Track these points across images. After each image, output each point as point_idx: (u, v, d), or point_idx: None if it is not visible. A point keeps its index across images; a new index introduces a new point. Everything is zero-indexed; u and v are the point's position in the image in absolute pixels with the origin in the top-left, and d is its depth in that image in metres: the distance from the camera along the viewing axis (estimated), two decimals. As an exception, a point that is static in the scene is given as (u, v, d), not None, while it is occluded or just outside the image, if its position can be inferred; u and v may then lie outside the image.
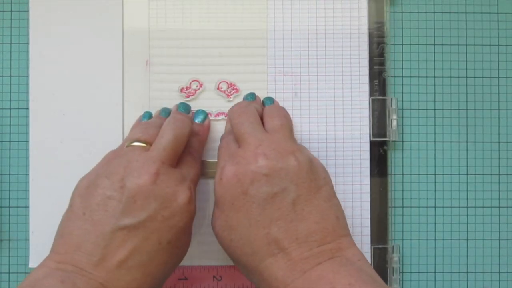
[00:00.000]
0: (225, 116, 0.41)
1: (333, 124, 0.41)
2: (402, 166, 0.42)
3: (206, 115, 0.40)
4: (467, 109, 0.42)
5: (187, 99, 0.41)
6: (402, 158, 0.42)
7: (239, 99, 0.41)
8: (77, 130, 0.41)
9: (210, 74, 0.41)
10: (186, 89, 0.41)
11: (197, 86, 0.41)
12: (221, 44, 0.42)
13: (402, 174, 0.42)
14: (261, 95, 0.41)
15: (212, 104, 0.41)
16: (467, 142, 0.42)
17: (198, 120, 0.40)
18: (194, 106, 0.41)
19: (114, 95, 0.41)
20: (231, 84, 0.41)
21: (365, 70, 0.41)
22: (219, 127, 0.41)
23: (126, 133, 0.41)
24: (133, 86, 0.42)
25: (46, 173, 0.41)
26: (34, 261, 0.40)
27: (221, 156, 0.36)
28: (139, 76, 0.42)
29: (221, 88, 0.41)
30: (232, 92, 0.41)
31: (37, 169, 0.41)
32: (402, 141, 0.42)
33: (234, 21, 0.42)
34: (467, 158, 0.42)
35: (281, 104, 0.41)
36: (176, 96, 0.41)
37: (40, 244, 0.40)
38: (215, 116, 0.41)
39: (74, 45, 0.41)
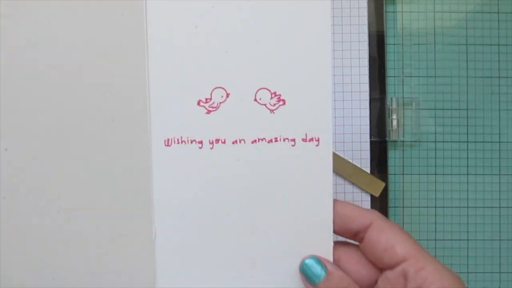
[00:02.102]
0: (267, 142, 0.28)
1: (333, 124, 0.41)
2: (402, 166, 0.42)
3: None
4: (467, 109, 0.42)
5: (208, 115, 0.28)
6: (402, 158, 0.42)
7: (287, 113, 0.28)
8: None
9: (243, 79, 0.28)
10: (206, 101, 0.28)
11: (222, 96, 0.28)
12: (258, 32, 0.27)
13: (402, 174, 0.42)
14: (319, 108, 0.28)
15: (246, 122, 0.28)
16: (467, 142, 0.42)
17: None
18: (219, 124, 0.28)
19: (102, 112, 0.28)
20: (274, 93, 0.28)
21: (365, 70, 0.41)
22: (256, 160, 0.28)
23: (120, 155, 0.28)
24: (126, 100, 0.28)
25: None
26: None
27: None
28: (133, 85, 0.27)
29: (260, 99, 0.28)
30: (276, 105, 0.28)
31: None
32: (403, 141, 0.42)
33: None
34: (467, 158, 0.42)
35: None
36: (191, 112, 0.28)
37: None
38: (252, 142, 0.28)
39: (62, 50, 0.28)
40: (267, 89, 0.28)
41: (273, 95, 0.28)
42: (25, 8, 0.27)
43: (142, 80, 0.28)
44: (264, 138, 0.28)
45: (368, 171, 0.41)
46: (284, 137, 0.28)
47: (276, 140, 0.28)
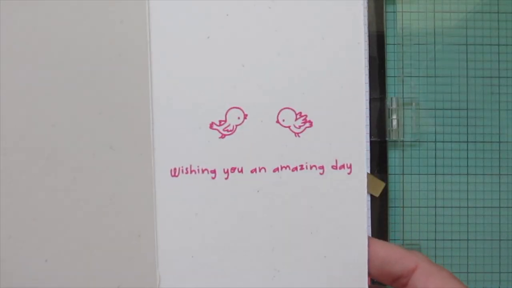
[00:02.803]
0: (291, 170, 0.24)
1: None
2: (402, 166, 0.42)
3: None
4: (467, 109, 0.42)
5: (222, 140, 0.24)
6: (402, 158, 0.42)
7: (315, 137, 0.24)
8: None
9: (263, 97, 0.24)
10: (220, 124, 0.24)
11: (239, 118, 0.24)
12: (279, 43, 0.24)
13: (402, 174, 0.42)
14: (352, 129, 0.24)
15: (267, 148, 0.24)
16: (467, 142, 0.42)
17: None
18: (235, 150, 0.24)
19: (98, 137, 0.23)
20: (299, 113, 0.24)
21: (365, 70, 0.41)
22: (278, 191, 0.24)
23: (119, 188, 0.23)
24: (126, 123, 0.23)
25: None
26: None
27: None
28: (134, 105, 0.23)
29: (283, 120, 0.24)
30: (302, 127, 0.24)
31: None
32: (403, 141, 0.42)
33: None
34: (467, 158, 0.42)
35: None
36: (202, 136, 0.24)
37: None
38: (273, 171, 0.24)
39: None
40: (291, 109, 0.24)
41: (298, 116, 0.24)
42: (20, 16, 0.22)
43: (145, 99, 0.23)
44: (287, 166, 0.24)
45: (368, 171, 0.41)
46: (311, 164, 0.24)
47: (301, 168, 0.24)
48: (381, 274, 0.25)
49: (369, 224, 0.41)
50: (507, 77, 0.42)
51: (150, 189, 0.23)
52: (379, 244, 0.25)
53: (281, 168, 0.24)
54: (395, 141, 0.42)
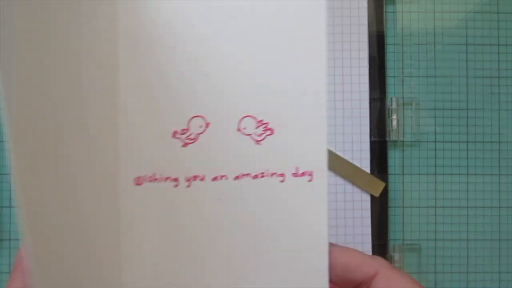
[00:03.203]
0: (252, 178, 0.24)
1: (333, 124, 0.41)
2: (402, 166, 0.42)
3: None
4: (467, 109, 0.42)
5: (184, 148, 0.24)
6: (402, 158, 0.42)
7: (276, 145, 0.24)
8: None
9: (224, 106, 0.24)
10: (182, 133, 0.24)
11: (201, 126, 0.24)
12: (242, 52, 0.24)
13: (402, 174, 0.42)
14: (313, 137, 0.24)
15: (229, 156, 0.24)
16: (467, 142, 0.42)
17: None
18: (197, 159, 0.24)
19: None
20: (261, 121, 0.24)
21: (365, 70, 0.41)
22: (240, 199, 0.24)
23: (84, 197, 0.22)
24: (91, 131, 0.22)
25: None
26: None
27: None
28: (99, 114, 0.22)
29: (244, 128, 0.24)
30: (263, 135, 0.24)
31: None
32: (403, 141, 0.42)
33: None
34: (467, 158, 0.42)
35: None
36: (165, 145, 0.24)
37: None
38: (234, 179, 0.24)
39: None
40: (253, 117, 0.24)
41: (259, 124, 0.24)
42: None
43: (110, 109, 0.22)
44: (248, 174, 0.24)
45: (368, 171, 0.41)
46: (272, 172, 0.24)
47: (262, 176, 0.24)
48: (342, 281, 0.25)
49: (369, 224, 0.41)
50: (507, 77, 0.42)
51: (115, 197, 0.23)
52: (339, 250, 0.25)
53: (242, 176, 0.24)
54: (395, 141, 0.42)
